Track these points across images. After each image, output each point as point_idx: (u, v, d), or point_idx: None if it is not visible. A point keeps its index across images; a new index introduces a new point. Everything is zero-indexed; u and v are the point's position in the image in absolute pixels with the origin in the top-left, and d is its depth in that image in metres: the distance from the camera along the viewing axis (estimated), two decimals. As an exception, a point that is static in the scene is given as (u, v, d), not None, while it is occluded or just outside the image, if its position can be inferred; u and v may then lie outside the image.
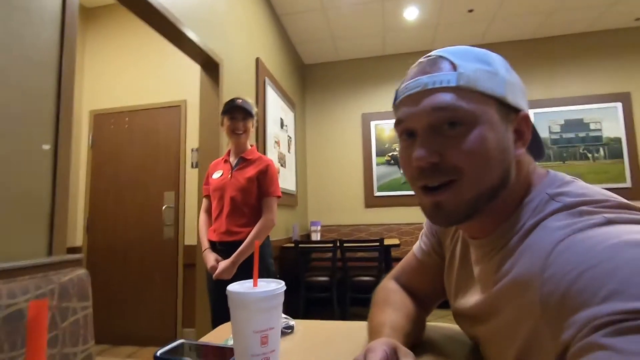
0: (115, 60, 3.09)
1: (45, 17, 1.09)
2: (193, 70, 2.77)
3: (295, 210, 3.83)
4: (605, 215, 0.37)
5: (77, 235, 2.97)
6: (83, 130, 3.06)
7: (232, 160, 1.75)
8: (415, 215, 4.07)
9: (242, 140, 1.73)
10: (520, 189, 0.46)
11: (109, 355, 2.59)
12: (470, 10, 3.47)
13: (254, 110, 1.76)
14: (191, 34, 1.95)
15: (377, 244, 2.92)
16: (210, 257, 1.62)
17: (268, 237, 1.73)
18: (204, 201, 1.82)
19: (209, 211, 1.78)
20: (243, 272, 1.57)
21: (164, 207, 2.82)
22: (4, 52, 0.97)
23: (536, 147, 0.51)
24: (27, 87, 1.02)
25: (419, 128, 0.46)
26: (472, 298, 0.51)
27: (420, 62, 0.49)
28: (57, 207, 1.06)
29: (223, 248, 1.63)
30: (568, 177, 0.46)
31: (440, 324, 0.74)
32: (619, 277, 0.31)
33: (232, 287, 0.52)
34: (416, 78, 0.46)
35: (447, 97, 0.43)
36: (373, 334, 0.58)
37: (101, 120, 3.03)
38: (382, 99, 4.33)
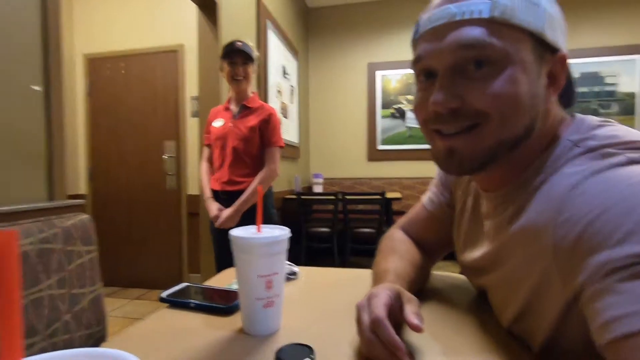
0: (107, 1, 2.89)
1: (22, -60, 0.97)
2: (190, 11, 2.59)
3: (297, 162, 3.81)
4: (628, 154, 0.34)
5: (81, 183, 2.99)
6: (78, 75, 2.95)
7: (234, 108, 1.69)
8: (418, 169, 4.05)
9: (243, 87, 1.65)
10: (543, 139, 0.42)
11: (119, 297, 2.73)
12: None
13: (255, 54, 1.66)
14: (186, -32, 1.79)
15: (379, 196, 2.94)
16: (213, 207, 1.63)
17: (270, 187, 1.73)
18: (205, 150, 1.79)
19: (210, 160, 1.76)
20: (246, 221, 1.58)
21: (165, 156, 2.80)
22: (-20, -20, 0.88)
23: (567, 93, 0.45)
24: (10, 24, 0.94)
25: (440, 67, 0.40)
26: (481, 250, 0.50)
27: None
28: (53, 150, 1.04)
29: (226, 197, 1.64)
30: (596, 121, 0.41)
31: (446, 273, 0.74)
32: (636, 218, 0.29)
33: (236, 232, 0.51)
34: (442, 6, 0.40)
35: (477, 32, 0.37)
36: (377, 280, 0.57)
37: (97, 64, 2.90)
38: (390, 48, 4.11)
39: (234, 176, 1.62)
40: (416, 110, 0.45)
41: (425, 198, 0.69)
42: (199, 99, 2.21)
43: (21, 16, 0.97)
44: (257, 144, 1.64)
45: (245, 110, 1.66)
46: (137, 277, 2.90)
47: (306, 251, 3.15)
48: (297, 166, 3.83)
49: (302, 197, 3.05)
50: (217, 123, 1.69)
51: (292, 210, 3.30)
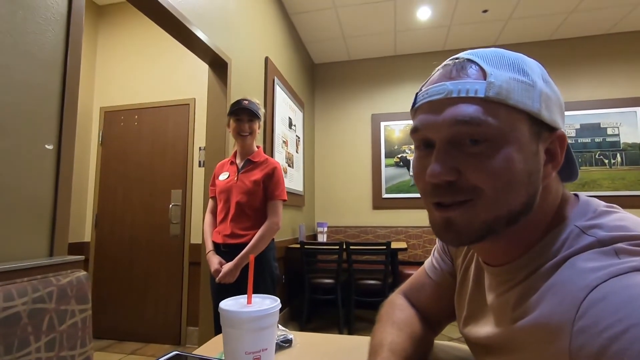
0: (126, 57, 3.10)
1: (51, 15, 1.08)
2: (202, 68, 2.76)
3: (302, 210, 3.82)
4: None
5: (86, 231, 3.00)
6: (94, 126, 3.09)
7: (239, 162, 1.74)
8: (423, 218, 4.01)
9: (248, 142, 1.71)
10: (545, 216, 0.41)
11: (113, 351, 2.61)
12: (485, 11, 3.40)
13: (261, 111, 1.74)
14: (200, 33, 1.94)
15: (384, 247, 2.88)
16: (214, 260, 1.61)
17: (273, 239, 1.72)
18: (210, 202, 1.81)
19: (214, 212, 1.77)
20: (247, 276, 1.55)
21: (171, 205, 2.83)
22: (9, 50, 0.96)
23: (568, 168, 0.45)
24: (32, 86, 1.01)
25: (437, 140, 0.41)
26: (485, 328, 0.48)
27: (446, 64, 0.43)
28: (59, 207, 1.06)
29: (227, 250, 1.62)
30: (603, 206, 0.41)
31: (449, 343, 0.71)
32: None
33: (225, 305, 0.50)
34: (440, 83, 0.41)
35: (472, 110, 0.38)
36: (372, 354, 0.55)
37: (111, 117, 3.05)
38: (392, 100, 4.28)
39: (236, 229, 1.62)
40: (415, 178, 0.46)
41: (428, 263, 0.68)
42: (206, 150, 2.28)
43: (42, 78, 1.05)
44: (260, 198, 1.65)
45: (250, 164, 1.70)
46: (135, 329, 2.80)
47: (309, 303, 3.04)
48: (302, 215, 3.82)
49: (306, 246, 3.01)
50: (223, 176, 1.72)
51: (296, 259, 3.23)
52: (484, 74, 0.39)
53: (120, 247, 2.90)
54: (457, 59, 0.42)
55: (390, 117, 4.24)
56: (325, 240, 3.71)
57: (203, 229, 1.77)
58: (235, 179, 1.66)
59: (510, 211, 0.39)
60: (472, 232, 0.40)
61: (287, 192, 3.20)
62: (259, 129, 1.74)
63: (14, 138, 0.96)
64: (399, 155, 4.17)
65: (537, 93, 0.38)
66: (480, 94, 0.38)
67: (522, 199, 0.39)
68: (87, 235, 2.99)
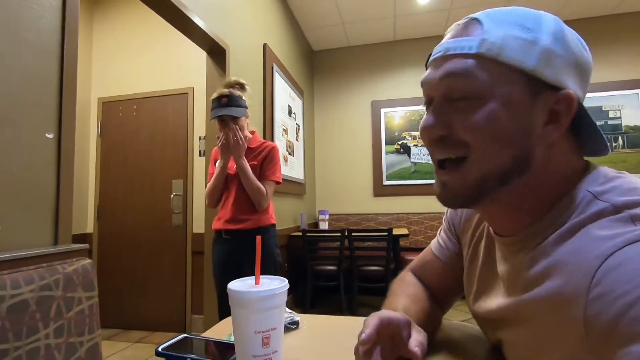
0: (123, 47, 3.06)
1: (46, 3, 1.06)
2: (200, 56, 2.73)
3: (303, 198, 3.82)
4: None
5: (89, 222, 3.01)
6: (92, 117, 3.06)
7: None
8: (424, 204, 4.02)
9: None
10: (554, 182, 0.41)
11: (119, 340, 2.65)
12: (486, -7, 3.33)
13: (245, 96, 1.62)
14: (197, 20, 1.91)
15: (385, 233, 2.90)
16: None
17: (274, 226, 1.72)
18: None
19: None
20: (252, 260, 1.55)
21: (172, 195, 2.83)
22: (5, 38, 0.95)
23: (592, 140, 0.43)
24: (30, 75, 1.00)
25: (435, 96, 0.43)
26: (495, 300, 0.48)
27: (457, 24, 0.44)
28: (61, 196, 1.06)
29: (229, 237, 1.63)
30: (612, 172, 0.41)
31: (458, 322, 0.71)
32: None
33: (233, 285, 0.50)
34: (443, 42, 0.43)
35: (461, 65, 0.39)
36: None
37: (110, 107, 3.02)
38: (393, 86, 4.24)
39: (237, 214, 1.61)
40: (421, 136, 0.47)
41: (434, 243, 0.68)
42: (206, 139, 2.27)
43: (39, 66, 1.03)
44: (257, 178, 1.62)
45: (247, 151, 1.66)
46: (140, 318, 2.84)
47: (312, 290, 3.07)
48: (303, 203, 3.83)
49: (308, 234, 3.02)
50: (220, 163, 1.69)
51: (298, 247, 3.25)
52: (483, 31, 0.40)
53: (123, 238, 2.91)
54: (467, 18, 0.43)
55: (390, 103, 4.21)
56: (326, 227, 3.73)
57: (207, 189, 1.69)
58: (234, 166, 1.64)
59: (498, 168, 0.39)
60: (465, 194, 0.41)
61: (288, 181, 3.22)
62: (247, 118, 1.65)
63: (14, 127, 0.95)
64: (400, 142, 4.15)
65: (538, 50, 0.38)
66: (473, 50, 0.39)
67: (510, 155, 0.39)
68: (90, 227, 3.00)
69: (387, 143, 4.18)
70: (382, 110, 4.22)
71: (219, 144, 1.58)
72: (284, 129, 3.20)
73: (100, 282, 2.96)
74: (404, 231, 3.19)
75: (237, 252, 1.61)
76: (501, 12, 0.41)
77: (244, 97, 1.61)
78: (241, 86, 1.63)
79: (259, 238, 0.54)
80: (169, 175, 2.86)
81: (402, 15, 3.71)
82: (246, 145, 1.58)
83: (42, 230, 1.01)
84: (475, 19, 0.41)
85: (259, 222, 1.63)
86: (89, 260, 1.02)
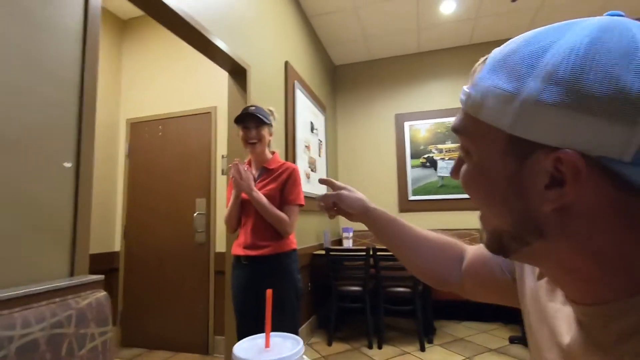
0: (150, 69, 3.16)
1: (67, 34, 1.07)
2: (222, 76, 2.76)
3: (326, 216, 3.74)
4: None
5: (116, 241, 3.07)
6: (120, 138, 3.16)
7: (254, 171, 1.67)
8: (453, 220, 3.84)
9: (258, 150, 1.61)
10: (617, 242, 0.31)
11: (143, 361, 2.64)
12: (514, 0, 3.21)
13: (271, 116, 1.66)
14: (219, 42, 1.92)
15: (413, 253, 2.76)
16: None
17: (295, 251, 1.66)
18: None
19: None
20: (269, 282, 1.50)
21: (195, 214, 2.84)
22: (27, 69, 0.95)
23: None
24: (49, 104, 1.00)
25: None
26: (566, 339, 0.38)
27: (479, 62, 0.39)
28: (79, 225, 1.04)
29: (247, 263, 1.58)
30: None
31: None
32: None
33: (240, 349, 0.44)
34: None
35: (457, 120, 0.38)
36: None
37: (137, 128, 3.10)
38: (417, 99, 4.14)
39: (256, 240, 1.56)
40: None
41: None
42: (228, 158, 2.26)
43: (59, 96, 1.04)
44: (279, 206, 1.58)
45: (266, 172, 1.63)
46: (164, 338, 2.83)
47: (337, 311, 2.96)
48: (326, 220, 3.75)
49: (331, 252, 2.94)
50: (234, 192, 1.62)
51: (322, 266, 3.17)
52: (474, 81, 0.37)
53: (148, 256, 2.94)
54: (485, 57, 0.38)
55: (415, 116, 4.10)
56: (351, 245, 3.62)
57: (226, 216, 1.65)
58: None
59: (501, 227, 0.37)
60: (489, 242, 0.39)
61: (311, 198, 3.16)
62: (270, 135, 1.65)
63: (33, 157, 0.95)
64: (425, 156, 4.02)
65: (516, 104, 0.31)
66: (462, 106, 0.37)
67: (504, 217, 0.36)
68: (117, 245, 3.06)
69: (412, 157, 4.06)
70: (407, 124, 4.11)
71: (231, 177, 1.56)
72: (306, 146, 3.17)
73: (126, 300, 2.99)
74: (432, 250, 3.03)
75: (257, 279, 1.55)
76: (506, 51, 0.34)
77: (271, 117, 1.66)
78: (271, 112, 1.69)
79: (269, 292, 0.48)
80: (193, 193, 2.88)
81: (426, 27, 3.64)
82: (252, 176, 1.54)
83: (58, 261, 1.00)
84: (485, 60, 0.37)
85: (279, 248, 1.57)
86: (103, 293, 0.99)
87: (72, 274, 1.02)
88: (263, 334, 0.47)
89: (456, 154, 3.94)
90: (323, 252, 3.05)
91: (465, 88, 0.37)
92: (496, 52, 0.35)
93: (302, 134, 3.08)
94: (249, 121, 1.59)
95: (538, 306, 0.45)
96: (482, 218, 0.39)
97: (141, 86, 3.16)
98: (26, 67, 0.95)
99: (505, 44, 0.35)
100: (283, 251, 1.57)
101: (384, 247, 2.96)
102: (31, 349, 0.77)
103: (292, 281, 1.56)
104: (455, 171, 0.41)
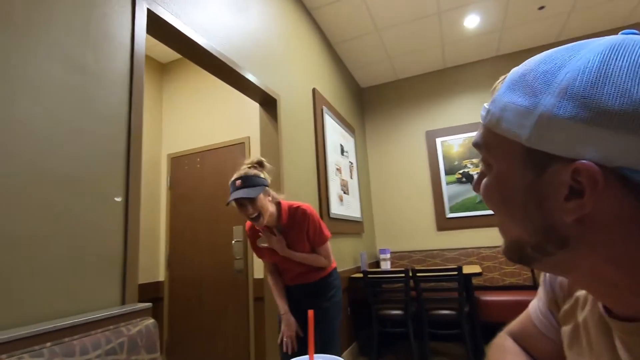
0: (187, 106, 3.37)
1: (116, 79, 1.18)
2: (254, 107, 2.89)
3: (362, 237, 3.70)
4: None
5: (160, 270, 3.20)
6: (162, 172, 3.35)
7: (274, 230, 1.67)
8: (496, 237, 3.65)
9: (261, 221, 1.51)
10: None
11: (189, 390, 2.66)
12: (541, 7, 3.15)
13: (261, 173, 1.55)
14: (249, 75, 2.03)
15: (455, 272, 2.64)
16: (292, 322, 1.63)
17: (335, 269, 1.76)
18: (266, 263, 1.81)
19: (274, 271, 1.77)
20: (313, 299, 1.65)
21: (233, 241, 2.91)
22: (83, 113, 1.06)
23: None
24: (101, 144, 1.10)
25: None
26: None
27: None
28: (129, 255, 1.11)
29: (297, 290, 1.71)
30: None
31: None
32: None
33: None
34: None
35: (478, 135, 0.39)
36: None
37: (177, 162, 3.29)
38: (447, 114, 4.08)
39: (300, 279, 1.70)
40: None
41: (533, 304, 0.58)
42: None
43: (110, 136, 1.14)
44: (309, 245, 1.66)
45: (284, 229, 1.63)
46: (206, 367, 2.85)
47: (379, 337, 2.86)
48: (362, 242, 3.70)
49: (369, 275, 2.88)
50: (262, 242, 1.66)
51: (360, 289, 3.10)
52: (494, 98, 0.39)
53: (190, 284, 3.03)
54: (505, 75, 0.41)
55: (446, 132, 4.03)
56: (389, 267, 3.53)
57: (272, 290, 1.77)
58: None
59: (522, 237, 0.37)
60: (509, 253, 0.39)
61: (345, 220, 3.15)
62: (268, 195, 1.56)
63: (87, 193, 1.04)
64: (461, 171, 3.91)
65: (533, 118, 0.33)
66: (482, 121, 0.39)
67: (523, 228, 0.36)
68: (161, 275, 3.18)
69: (446, 173, 3.96)
70: (438, 140, 4.05)
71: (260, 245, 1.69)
72: (337, 168, 3.20)
73: (170, 329, 3.06)
74: (476, 269, 2.89)
75: (300, 299, 1.70)
76: (522, 70, 0.36)
77: (262, 175, 1.54)
78: (260, 164, 1.59)
79: (310, 313, 0.49)
80: (230, 221, 2.97)
81: (450, 42, 3.64)
82: (282, 241, 1.61)
83: (110, 290, 1.06)
84: (503, 79, 0.39)
85: (322, 274, 1.70)
86: (151, 320, 1.03)
87: (123, 302, 1.08)
88: (306, 357, 0.48)
89: (493, 168, 3.79)
90: (361, 275, 2.99)
91: (486, 105, 0.39)
92: (514, 71, 0.37)
93: (332, 157, 3.12)
94: (239, 203, 1.49)
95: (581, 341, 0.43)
96: (501, 228, 0.40)
97: (180, 122, 3.38)
98: (82, 111, 1.06)
99: (522, 64, 0.38)
100: (325, 275, 1.71)
101: (424, 268, 2.87)
102: (89, 375, 0.81)
103: (335, 291, 1.69)
104: (477, 184, 0.42)
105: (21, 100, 0.92)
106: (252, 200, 1.46)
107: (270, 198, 1.57)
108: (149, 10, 1.37)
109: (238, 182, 1.48)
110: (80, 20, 1.10)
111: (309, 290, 1.69)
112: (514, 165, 0.35)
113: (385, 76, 4.28)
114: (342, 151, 3.41)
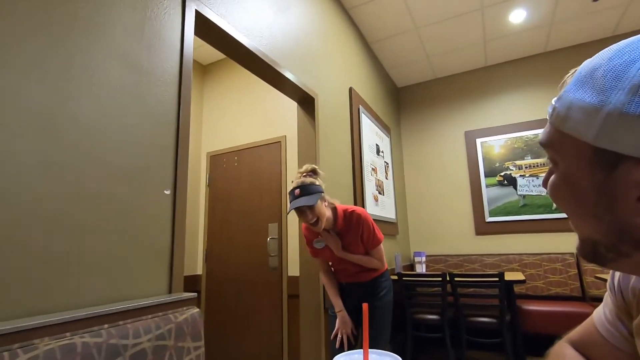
0: (226, 106, 3.48)
1: (167, 78, 1.24)
2: (290, 106, 2.92)
3: (396, 239, 3.63)
4: None
5: (199, 264, 3.31)
6: (202, 170, 3.47)
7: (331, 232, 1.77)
8: (540, 243, 3.46)
9: (320, 225, 1.60)
10: None
11: (224, 382, 2.73)
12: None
13: (316, 180, 1.62)
14: (288, 74, 2.05)
15: (496, 278, 2.53)
16: (348, 321, 1.71)
17: (387, 271, 1.84)
18: (320, 262, 1.86)
19: (328, 270, 1.86)
20: (367, 297, 1.72)
21: (268, 239, 2.95)
22: (136, 110, 1.12)
23: None
24: (153, 141, 1.16)
25: None
26: None
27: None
28: (175, 247, 1.15)
29: (349, 287, 1.78)
30: None
31: None
32: None
33: (339, 362, 0.44)
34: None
35: (544, 133, 0.38)
36: None
37: (216, 160, 3.39)
38: (488, 114, 3.92)
39: (355, 277, 1.76)
40: None
41: (598, 315, 0.54)
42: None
43: (160, 133, 1.19)
44: (364, 248, 1.73)
45: (340, 231, 1.72)
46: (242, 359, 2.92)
47: (413, 341, 2.79)
48: (397, 243, 3.64)
49: (405, 278, 2.82)
50: (319, 244, 1.75)
51: (394, 292, 3.03)
52: (560, 95, 0.37)
53: (226, 279, 3.11)
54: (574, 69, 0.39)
55: (487, 132, 3.87)
56: (424, 270, 3.44)
57: (325, 288, 1.85)
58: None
59: (593, 236, 0.36)
60: (584, 252, 0.38)
61: (380, 221, 3.11)
62: (324, 201, 1.65)
63: (139, 186, 1.09)
64: (502, 174, 3.73)
65: (601, 117, 0.31)
66: (549, 118, 0.38)
67: (593, 228, 0.35)
68: (199, 269, 3.29)
69: (486, 175, 3.80)
70: (478, 140, 3.89)
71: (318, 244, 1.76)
72: (372, 168, 3.16)
73: (205, 322, 3.16)
74: (519, 276, 2.74)
75: (354, 297, 1.78)
76: (590, 66, 0.34)
77: (317, 182, 1.61)
78: (314, 172, 1.67)
79: (365, 306, 0.48)
80: (266, 219, 3.02)
81: (493, 39, 3.49)
82: (335, 238, 1.70)
83: (159, 279, 1.11)
84: (573, 73, 0.38)
85: (375, 274, 1.78)
86: (196, 310, 1.07)
87: (170, 291, 1.12)
88: (360, 350, 0.47)
89: (538, 170, 3.59)
90: (395, 277, 2.94)
91: (552, 101, 0.38)
92: (584, 65, 0.36)
93: (368, 157, 3.09)
94: (299, 210, 1.57)
95: None
96: (573, 226, 0.39)
97: (219, 122, 3.49)
98: (136, 108, 1.12)
99: (592, 57, 0.36)
100: (379, 275, 1.79)
101: (462, 273, 2.76)
102: (141, 358, 0.85)
103: (382, 292, 1.75)
104: (545, 181, 0.41)
105: (84, 97, 0.99)
106: (311, 208, 1.55)
107: (326, 203, 1.66)
108: (197, 12, 1.42)
109: (297, 191, 1.56)
110: (135, 21, 1.16)
111: (362, 288, 1.77)
112: (581, 165, 0.34)
113: (423, 75, 4.19)
114: (378, 151, 3.37)
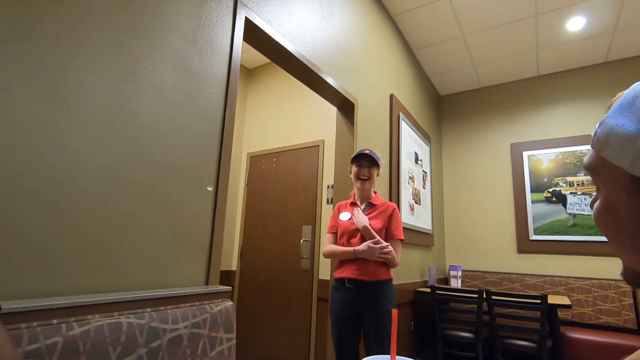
0: (267, 109, 3.58)
1: (216, 81, 1.31)
2: (329, 111, 2.96)
3: (431, 250, 3.53)
4: None
5: (233, 261, 3.43)
6: (242, 169, 3.60)
7: (360, 204, 1.84)
8: (591, 267, 3.21)
9: (366, 186, 1.80)
10: None
11: (251, 377, 2.79)
12: (668, 6, 2.70)
13: (381, 161, 1.85)
14: (329, 79, 2.08)
15: (538, 300, 2.38)
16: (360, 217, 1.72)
17: (391, 280, 1.75)
18: (329, 236, 1.89)
19: (334, 243, 1.87)
20: (371, 311, 1.64)
21: (302, 240, 2.99)
22: (185, 110, 1.19)
23: None
24: (200, 139, 1.23)
25: None
26: None
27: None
28: (214, 241, 1.21)
29: (352, 287, 1.68)
30: None
31: None
32: None
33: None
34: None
35: (587, 157, 0.38)
36: None
37: (255, 161, 3.50)
38: (537, 126, 3.71)
39: (365, 267, 1.68)
40: None
41: None
42: (334, 187, 2.36)
43: (207, 132, 1.26)
44: (383, 237, 1.74)
45: (371, 207, 1.81)
46: (270, 357, 2.97)
47: (443, 358, 2.69)
48: (431, 255, 3.54)
49: (438, 291, 2.73)
50: (344, 216, 1.82)
51: (426, 305, 2.96)
52: (603, 120, 0.37)
53: (259, 277, 3.19)
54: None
55: (535, 145, 3.67)
56: (459, 285, 3.32)
57: (331, 251, 1.81)
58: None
59: (633, 265, 0.35)
60: (628, 279, 0.38)
61: (415, 231, 3.05)
62: (377, 176, 1.85)
63: (185, 181, 1.16)
64: (550, 190, 3.51)
65: (637, 147, 0.31)
66: (592, 144, 0.37)
67: (632, 258, 0.35)
68: (234, 265, 3.40)
69: (533, 190, 3.59)
70: (525, 154, 3.70)
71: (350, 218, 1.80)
72: (410, 177, 3.11)
73: (239, 318, 3.25)
74: (565, 300, 2.56)
75: (359, 302, 1.67)
76: (634, 91, 0.33)
77: (381, 161, 1.86)
78: (379, 158, 1.88)
79: (395, 312, 0.48)
80: (300, 221, 3.06)
81: (547, 47, 3.31)
82: (363, 216, 1.75)
83: (197, 271, 1.17)
84: (620, 97, 0.37)
85: (383, 275, 1.70)
86: (230, 303, 1.11)
87: (207, 283, 1.18)
88: (387, 357, 0.47)
89: (591, 188, 3.35)
90: (428, 289, 2.86)
91: (596, 125, 0.38)
92: (629, 90, 0.35)
93: (406, 164, 3.04)
94: (363, 160, 1.80)
95: None
96: (616, 253, 0.38)
97: (260, 124, 3.60)
98: (186, 108, 1.20)
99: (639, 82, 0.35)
100: (385, 278, 1.71)
101: (501, 292, 2.64)
102: (177, 343, 0.90)
103: (385, 301, 1.66)
104: (591, 204, 0.41)
105: (143, 97, 1.07)
106: (372, 165, 1.78)
107: (377, 178, 1.85)
108: (246, 19, 1.49)
109: (367, 151, 1.81)
110: (190, 28, 1.24)
111: (364, 290, 1.68)
112: (620, 192, 0.34)
113: (468, 83, 4.06)
114: (417, 159, 3.31)
